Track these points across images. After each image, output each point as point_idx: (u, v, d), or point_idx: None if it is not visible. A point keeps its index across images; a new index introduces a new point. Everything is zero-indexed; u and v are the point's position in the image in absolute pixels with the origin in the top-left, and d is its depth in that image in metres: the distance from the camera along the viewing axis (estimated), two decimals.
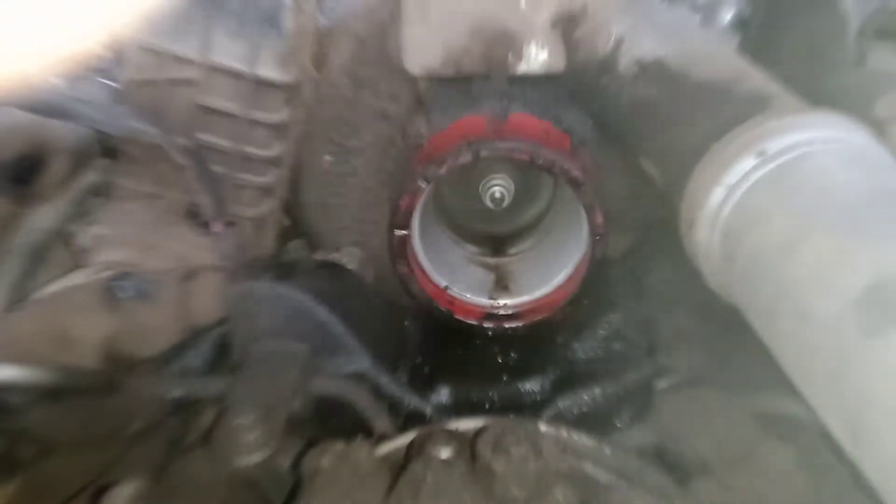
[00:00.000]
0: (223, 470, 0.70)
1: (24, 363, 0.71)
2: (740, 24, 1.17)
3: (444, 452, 0.66)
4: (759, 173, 0.74)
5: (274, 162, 1.02)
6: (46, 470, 0.67)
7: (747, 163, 0.75)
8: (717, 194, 0.76)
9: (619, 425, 0.93)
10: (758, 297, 0.71)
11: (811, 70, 1.03)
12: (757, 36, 1.15)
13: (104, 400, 0.76)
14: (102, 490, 0.63)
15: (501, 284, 1.20)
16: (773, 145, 0.74)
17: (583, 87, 0.98)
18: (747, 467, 0.69)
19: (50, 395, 0.72)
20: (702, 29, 1.10)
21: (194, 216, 0.97)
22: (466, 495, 0.60)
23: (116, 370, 0.80)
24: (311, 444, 0.70)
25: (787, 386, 0.66)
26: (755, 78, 0.88)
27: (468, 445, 0.66)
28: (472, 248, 1.30)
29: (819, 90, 0.87)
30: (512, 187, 1.15)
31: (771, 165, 0.73)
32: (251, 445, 0.71)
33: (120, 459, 0.71)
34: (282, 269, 1.04)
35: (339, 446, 0.66)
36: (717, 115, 0.82)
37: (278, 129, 1.00)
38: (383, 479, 0.64)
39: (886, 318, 0.55)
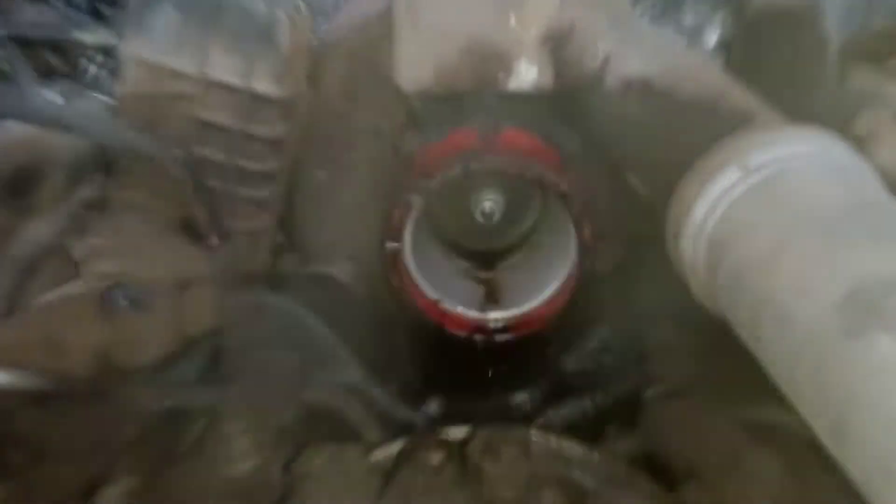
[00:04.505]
0: (214, 477, 0.70)
1: (16, 369, 0.72)
2: (724, 45, 1.20)
3: (435, 458, 0.66)
4: (742, 186, 0.76)
5: (269, 176, 1.04)
6: (36, 476, 0.67)
7: (731, 176, 0.77)
8: (702, 207, 0.78)
9: (608, 434, 0.93)
10: (742, 305, 0.72)
11: (793, 90, 1.05)
12: (740, 57, 1.18)
13: (96, 408, 0.76)
14: (94, 488, 0.63)
15: (492, 298, 1.21)
16: (756, 159, 0.76)
17: (571, 103, 1.00)
18: (734, 474, 0.70)
19: (41, 400, 0.72)
20: (687, 49, 1.13)
21: (190, 229, 0.97)
22: (457, 497, 0.60)
23: (109, 379, 0.80)
24: (301, 450, 0.70)
25: (773, 395, 0.67)
26: (738, 96, 0.90)
27: (458, 451, 0.66)
28: (463, 262, 1.31)
29: (800, 109, 0.90)
30: (502, 202, 1.17)
31: (753, 179, 0.75)
32: (242, 453, 0.71)
33: (111, 467, 0.71)
34: (275, 282, 1.05)
35: (329, 451, 0.66)
36: (702, 131, 0.85)
37: (274, 144, 1.01)
38: (374, 483, 0.64)
39: (866, 321, 0.56)
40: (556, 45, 0.97)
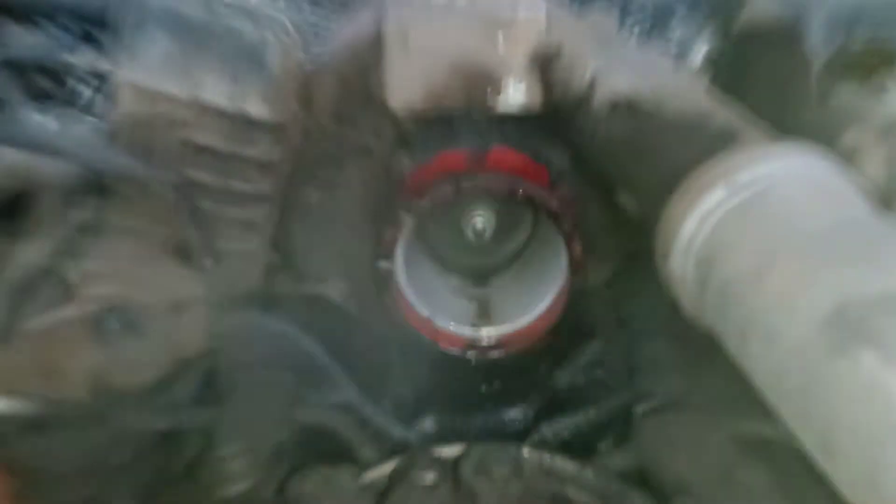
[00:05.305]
0: (208, 499, 0.70)
1: (11, 394, 0.72)
2: (711, 62, 1.21)
3: (428, 478, 0.67)
4: (728, 204, 0.77)
5: (261, 198, 1.04)
6: (32, 500, 0.67)
7: (718, 194, 0.78)
8: (690, 225, 0.79)
9: (600, 450, 0.94)
10: (730, 321, 0.73)
11: (778, 107, 1.06)
12: (727, 74, 1.19)
13: (91, 431, 0.76)
14: None
15: (484, 314, 1.22)
16: (742, 177, 0.77)
17: (560, 122, 1.01)
18: (725, 487, 0.71)
19: (36, 426, 0.72)
20: (673, 68, 1.14)
21: (183, 251, 0.98)
22: None
23: (104, 402, 0.81)
24: (294, 470, 0.70)
25: (762, 409, 0.68)
26: (724, 114, 0.91)
27: (451, 470, 0.67)
28: (455, 280, 1.32)
29: (786, 126, 0.91)
30: (493, 220, 1.18)
31: (740, 196, 0.76)
32: (236, 475, 0.72)
33: (106, 490, 0.71)
34: (268, 302, 1.06)
35: (322, 472, 0.67)
36: (689, 149, 0.86)
37: (266, 166, 1.02)
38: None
39: (851, 339, 0.57)
40: (544, 65, 0.98)
